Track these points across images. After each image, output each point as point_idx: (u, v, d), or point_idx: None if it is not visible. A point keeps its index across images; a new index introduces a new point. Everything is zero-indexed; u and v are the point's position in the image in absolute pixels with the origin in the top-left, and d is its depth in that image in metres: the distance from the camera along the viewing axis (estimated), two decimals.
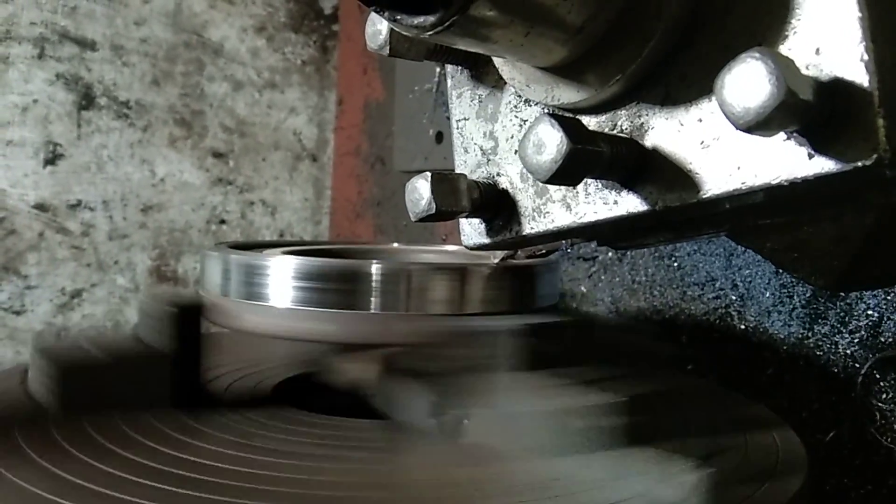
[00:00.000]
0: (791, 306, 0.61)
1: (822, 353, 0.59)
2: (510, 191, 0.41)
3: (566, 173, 0.31)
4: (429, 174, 0.39)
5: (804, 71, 0.27)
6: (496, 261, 0.47)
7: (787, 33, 0.28)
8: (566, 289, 0.78)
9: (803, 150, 0.28)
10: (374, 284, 0.44)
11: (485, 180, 0.42)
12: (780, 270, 0.61)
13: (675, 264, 0.69)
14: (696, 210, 0.33)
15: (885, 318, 0.55)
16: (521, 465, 0.35)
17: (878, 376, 0.55)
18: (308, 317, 0.45)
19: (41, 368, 0.42)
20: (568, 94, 0.35)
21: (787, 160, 0.28)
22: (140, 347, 0.45)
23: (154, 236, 1.05)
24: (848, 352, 0.57)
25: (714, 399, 0.54)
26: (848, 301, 0.57)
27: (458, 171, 0.43)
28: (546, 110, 0.37)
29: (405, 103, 1.00)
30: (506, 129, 0.41)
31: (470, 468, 0.35)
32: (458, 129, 0.44)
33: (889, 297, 0.55)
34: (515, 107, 0.41)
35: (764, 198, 0.31)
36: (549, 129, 0.31)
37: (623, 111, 0.34)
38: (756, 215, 0.37)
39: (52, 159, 0.97)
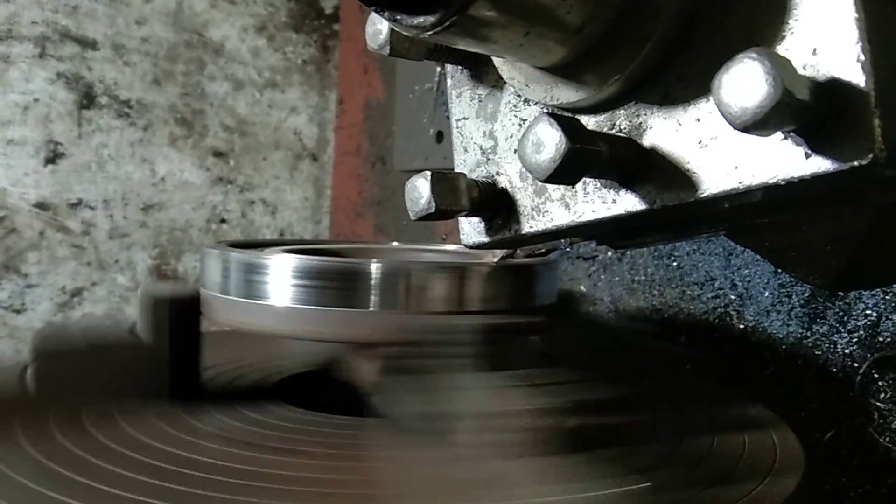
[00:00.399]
0: (790, 306, 0.61)
1: (820, 353, 0.59)
2: (509, 190, 0.41)
3: (565, 172, 0.31)
4: (428, 173, 0.39)
5: (801, 71, 0.28)
6: (495, 260, 0.48)
7: (784, 34, 0.29)
8: (566, 288, 0.78)
9: (800, 150, 0.28)
10: (373, 283, 0.44)
11: (484, 179, 0.42)
12: (779, 270, 0.61)
13: (675, 264, 0.69)
14: (694, 209, 0.33)
15: (884, 318, 0.55)
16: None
17: (876, 376, 0.55)
18: (307, 315, 0.45)
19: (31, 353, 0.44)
20: (567, 94, 0.35)
21: (784, 160, 0.28)
22: (126, 337, 0.45)
23: (154, 235, 1.05)
24: (846, 351, 0.57)
25: (712, 398, 0.54)
26: (846, 301, 0.57)
27: (457, 170, 0.44)
28: (545, 110, 0.37)
29: (405, 103, 1.01)
30: (505, 129, 0.41)
31: (454, 466, 0.35)
32: (457, 128, 0.44)
33: (887, 297, 0.55)
34: (515, 106, 0.41)
35: (762, 197, 0.31)
36: (548, 128, 0.31)
37: (622, 111, 0.35)
38: (754, 215, 0.37)
39: (53, 158, 0.97)
